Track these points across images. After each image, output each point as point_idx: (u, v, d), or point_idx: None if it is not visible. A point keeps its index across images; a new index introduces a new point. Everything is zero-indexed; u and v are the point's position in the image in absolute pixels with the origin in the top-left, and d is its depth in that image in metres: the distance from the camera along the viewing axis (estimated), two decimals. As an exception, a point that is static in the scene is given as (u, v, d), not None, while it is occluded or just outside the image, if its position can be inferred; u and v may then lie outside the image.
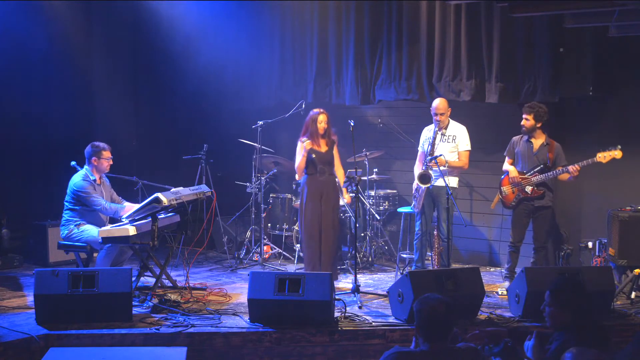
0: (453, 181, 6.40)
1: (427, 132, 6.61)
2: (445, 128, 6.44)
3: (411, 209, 6.72)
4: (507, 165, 6.41)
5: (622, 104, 6.80)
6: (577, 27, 6.10)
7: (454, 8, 6.91)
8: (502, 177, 6.42)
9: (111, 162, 6.11)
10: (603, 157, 5.92)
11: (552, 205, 6.32)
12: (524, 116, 6.17)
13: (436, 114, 6.40)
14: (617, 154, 5.89)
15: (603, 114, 6.89)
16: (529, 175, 6.20)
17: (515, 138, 6.40)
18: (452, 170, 6.40)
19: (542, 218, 6.25)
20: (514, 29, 6.70)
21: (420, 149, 6.68)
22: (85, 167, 6.04)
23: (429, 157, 6.28)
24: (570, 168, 5.99)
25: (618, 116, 6.82)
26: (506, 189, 6.34)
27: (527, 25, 6.63)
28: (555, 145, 6.21)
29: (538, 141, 6.23)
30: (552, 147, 6.19)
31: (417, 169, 6.62)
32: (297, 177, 6.85)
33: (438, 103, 6.42)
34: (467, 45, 6.91)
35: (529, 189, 6.18)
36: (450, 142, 6.44)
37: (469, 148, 6.47)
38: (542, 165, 6.17)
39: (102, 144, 6.06)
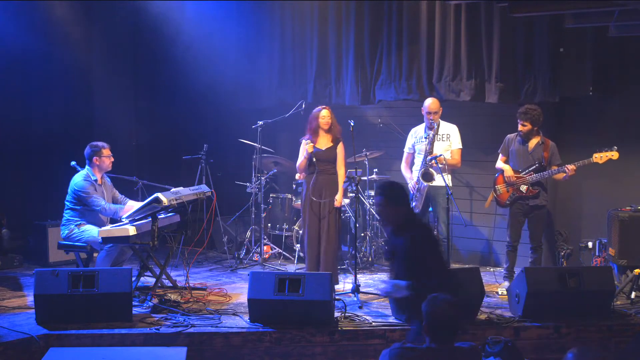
0: (448, 179, 6.40)
1: (418, 132, 6.60)
2: (438, 127, 6.44)
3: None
4: (501, 164, 6.40)
5: (622, 104, 6.80)
6: (577, 27, 6.11)
7: (454, 8, 6.91)
8: (496, 175, 6.42)
9: (112, 159, 6.11)
10: (599, 157, 5.93)
11: (547, 204, 6.32)
12: (520, 122, 6.15)
13: (429, 113, 6.38)
14: (613, 154, 5.90)
15: (603, 114, 6.89)
16: (524, 174, 6.19)
17: (510, 136, 6.39)
18: (447, 168, 6.40)
19: (537, 218, 6.25)
20: (514, 29, 6.70)
21: (407, 150, 6.68)
22: (87, 167, 6.04)
23: (430, 157, 6.28)
24: (567, 167, 5.99)
25: (618, 116, 6.82)
26: (500, 187, 6.33)
27: (527, 25, 6.64)
28: (550, 144, 6.20)
29: (533, 140, 6.22)
30: (547, 146, 6.18)
31: (406, 171, 6.65)
32: (297, 176, 6.83)
33: (431, 103, 6.42)
34: (467, 45, 6.91)
35: (523, 188, 6.17)
36: (445, 141, 6.44)
37: (461, 146, 6.49)
38: (537, 164, 6.15)
39: (100, 143, 6.06)
